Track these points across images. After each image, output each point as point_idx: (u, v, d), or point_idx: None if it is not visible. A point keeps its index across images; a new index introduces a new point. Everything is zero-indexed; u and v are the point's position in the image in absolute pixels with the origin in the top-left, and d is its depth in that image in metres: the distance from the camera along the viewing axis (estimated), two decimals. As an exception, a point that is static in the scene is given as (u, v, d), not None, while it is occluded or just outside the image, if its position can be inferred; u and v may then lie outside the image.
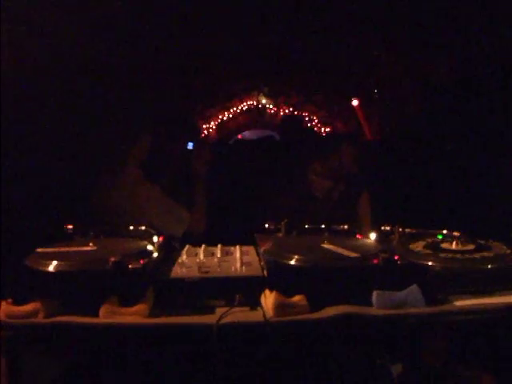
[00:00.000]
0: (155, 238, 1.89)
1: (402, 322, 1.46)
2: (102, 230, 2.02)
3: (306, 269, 1.52)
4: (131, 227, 2.07)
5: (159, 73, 5.22)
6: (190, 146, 3.23)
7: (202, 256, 1.78)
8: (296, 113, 7.95)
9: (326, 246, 1.68)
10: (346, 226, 1.93)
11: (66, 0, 2.79)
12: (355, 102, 7.33)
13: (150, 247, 1.78)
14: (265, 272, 1.54)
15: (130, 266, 1.53)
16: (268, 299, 1.48)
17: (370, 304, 1.49)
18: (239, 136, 11.96)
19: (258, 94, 7.81)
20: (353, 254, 1.55)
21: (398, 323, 1.47)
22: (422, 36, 4.46)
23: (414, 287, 1.48)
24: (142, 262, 1.58)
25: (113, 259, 1.52)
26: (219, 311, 1.49)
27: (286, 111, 7.98)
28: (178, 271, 1.61)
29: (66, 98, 3.07)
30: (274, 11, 5.09)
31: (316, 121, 7.92)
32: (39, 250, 1.71)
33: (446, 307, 1.50)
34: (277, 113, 8.01)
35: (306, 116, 7.95)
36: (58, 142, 2.87)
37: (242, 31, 5.57)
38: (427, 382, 1.68)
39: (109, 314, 1.48)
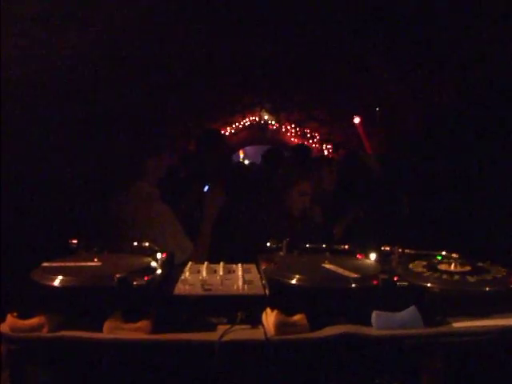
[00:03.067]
0: (159, 255, 1.92)
1: (401, 342, 1.49)
2: (105, 246, 2.05)
3: (307, 288, 1.54)
4: (135, 243, 2.09)
5: (163, 88, 5.28)
6: (206, 188, 3.27)
7: (204, 273, 1.80)
8: (298, 129, 8.01)
9: (326, 265, 1.71)
10: (346, 246, 1.96)
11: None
12: (357, 120, 7.39)
13: (153, 264, 1.81)
14: (266, 291, 1.56)
15: (134, 283, 1.56)
16: (269, 318, 1.50)
17: (369, 324, 1.51)
18: (240, 151, 12.04)
19: (261, 110, 7.87)
20: (353, 275, 1.58)
21: (397, 344, 1.49)
22: (424, 57, 4.52)
23: (412, 308, 1.50)
24: (146, 278, 1.60)
25: (118, 275, 1.55)
26: (221, 328, 1.51)
27: (288, 127, 8.03)
28: (181, 288, 1.64)
29: (80, 110, 3.12)
30: (277, 28, 5.16)
31: (318, 137, 7.97)
32: (45, 264, 1.74)
33: (443, 328, 1.53)
34: (279, 129, 8.06)
35: (308, 133, 8.00)
36: (68, 156, 2.92)
37: (246, 47, 5.64)
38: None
39: (113, 330, 1.51)
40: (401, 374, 1.68)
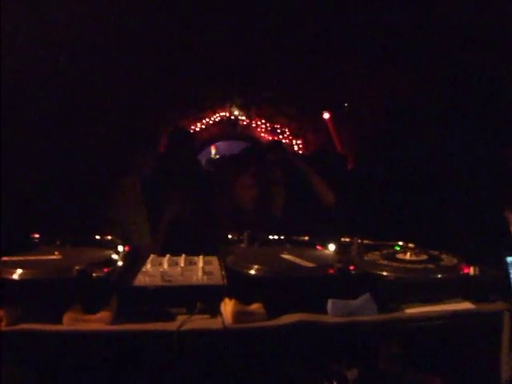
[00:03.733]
0: (120, 248, 1.93)
1: (356, 329, 1.53)
2: (68, 240, 2.05)
3: (264, 278, 1.58)
4: (97, 237, 2.10)
5: (134, 83, 5.25)
6: None
7: (166, 265, 1.82)
8: (268, 124, 8.04)
9: (285, 256, 1.75)
10: (306, 238, 2.00)
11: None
12: (326, 115, 7.44)
13: (114, 256, 1.82)
14: (225, 281, 1.59)
15: (93, 275, 1.56)
16: (227, 307, 1.53)
17: (325, 312, 1.55)
18: (212, 147, 12.01)
19: (231, 106, 7.87)
20: (309, 265, 1.62)
21: (352, 330, 1.54)
22: (387, 52, 4.60)
23: (367, 296, 1.55)
24: (105, 270, 1.62)
25: (77, 267, 1.56)
26: (180, 319, 1.53)
27: (259, 123, 8.06)
28: (141, 279, 1.65)
29: (62, 105, 3.11)
30: (248, 24, 5.17)
31: (288, 133, 8.02)
32: (4, 258, 1.73)
33: (397, 315, 1.58)
34: (249, 124, 8.08)
35: (278, 128, 8.04)
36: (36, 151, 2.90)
37: (215, 42, 5.63)
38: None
39: (72, 322, 1.51)
40: (358, 359, 1.73)
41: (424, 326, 1.59)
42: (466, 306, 1.63)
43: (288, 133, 8.04)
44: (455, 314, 1.58)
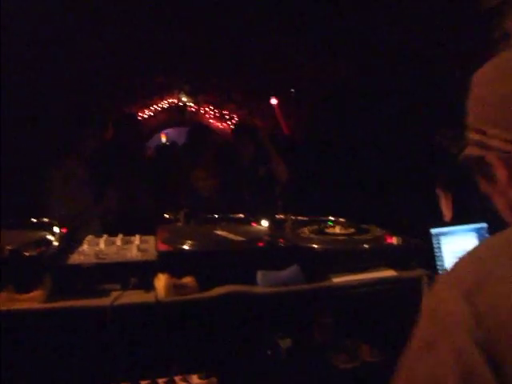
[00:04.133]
0: (56, 229, 1.94)
1: (285, 298, 1.60)
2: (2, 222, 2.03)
3: (195, 252, 1.62)
4: (34, 220, 2.09)
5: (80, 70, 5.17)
6: None
7: (102, 245, 1.84)
8: (216, 111, 8.06)
9: (218, 232, 1.80)
10: (241, 215, 2.06)
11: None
12: (274, 101, 7.52)
13: (49, 237, 1.82)
14: (157, 256, 1.63)
15: (26, 254, 1.57)
16: (159, 281, 1.57)
17: (255, 283, 1.61)
18: (162, 134, 11.93)
19: (179, 92, 7.84)
20: (240, 238, 1.68)
21: (282, 299, 1.60)
22: (329, 40, 4.70)
23: (294, 267, 1.62)
24: (38, 250, 1.62)
25: (8, 247, 1.56)
26: (114, 294, 1.56)
27: (207, 109, 8.07)
28: (75, 258, 1.67)
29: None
30: (195, 9, 5.16)
31: (236, 119, 8.07)
32: None
33: (324, 283, 1.66)
34: (198, 111, 8.08)
35: (226, 114, 8.07)
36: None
37: (163, 28, 5.60)
38: (314, 354, 1.83)
39: (6, 301, 1.52)
40: (293, 329, 1.80)
41: (350, 294, 1.68)
42: (390, 273, 1.72)
43: (236, 119, 8.09)
44: (379, 281, 1.67)
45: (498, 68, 0.82)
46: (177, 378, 1.55)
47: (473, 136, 0.84)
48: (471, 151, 0.85)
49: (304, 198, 3.28)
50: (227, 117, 8.09)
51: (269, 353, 1.75)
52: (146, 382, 1.50)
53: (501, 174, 0.80)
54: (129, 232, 2.03)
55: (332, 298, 1.69)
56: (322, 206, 2.46)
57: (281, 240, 1.69)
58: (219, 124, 8.07)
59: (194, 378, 1.56)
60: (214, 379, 1.58)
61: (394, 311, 1.78)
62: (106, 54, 5.40)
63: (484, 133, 0.81)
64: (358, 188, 3.16)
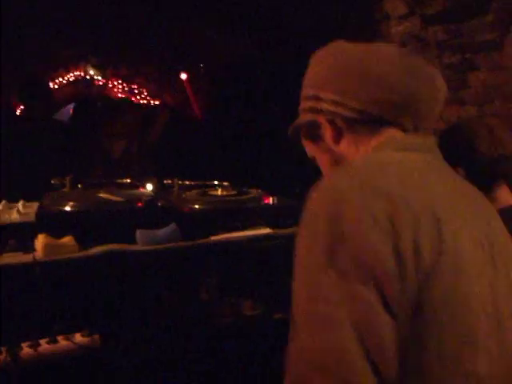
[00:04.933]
0: None
1: (162, 255, 1.67)
2: None
3: (73, 213, 1.66)
4: None
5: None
6: None
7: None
8: (125, 85, 7.91)
9: (101, 195, 1.83)
10: (128, 180, 2.10)
11: None
12: (184, 76, 7.49)
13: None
14: (35, 217, 1.65)
15: None
16: (38, 242, 1.59)
17: (135, 242, 1.67)
18: (71, 110, 11.51)
19: (86, 65, 7.60)
20: (118, 199, 1.73)
21: (160, 257, 1.68)
22: (234, 14, 4.76)
23: (172, 225, 1.69)
24: None
25: None
26: (-6, 258, 1.57)
27: (115, 83, 7.88)
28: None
29: None
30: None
31: (145, 93, 7.95)
32: None
33: (202, 241, 1.74)
34: (106, 84, 7.88)
35: (135, 88, 7.94)
36: None
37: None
38: (198, 311, 1.92)
39: None
40: (176, 287, 1.88)
41: (230, 251, 1.77)
42: (266, 231, 1.84)
43: (146, 93, 7.97)
44: (256, 238, 1.78)
45: (331, 47, 0.96)
46: (59, 338, 1.59)
47: (305, 104, 0.97)
48: (304, 117, 0.97)
49: (199, 166, 3.36)
50: (136, 91, 7.95)
51: (152, 310, 1.82)
52: (28, 343, 1.52)
53: (327, 133, 0.92)
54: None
55: (212, 255, 1.77)
56: (218, 173, 2.55)
57: (160, 201, 1.75)
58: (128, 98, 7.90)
59: (77, 336, 1.61)
60: (96, 337, 1.63)
61: (272, 267, 1.91)
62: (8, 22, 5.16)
63: (317, 98, 0.92)
64: (244, 156, 3.28)
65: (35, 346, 1.52)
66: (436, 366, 0.67)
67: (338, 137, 0.91)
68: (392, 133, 0.88)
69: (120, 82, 7.86)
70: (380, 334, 0.65)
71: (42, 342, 1.54)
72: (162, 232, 1.66)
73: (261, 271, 1.93)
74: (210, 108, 5.72)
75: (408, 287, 0.67)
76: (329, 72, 0.92)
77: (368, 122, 0.88)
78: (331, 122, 0.91)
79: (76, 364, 1.59)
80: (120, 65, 7.69)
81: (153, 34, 6.81)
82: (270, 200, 1.89)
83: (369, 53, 0.90)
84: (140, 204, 1.69)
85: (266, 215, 1.88)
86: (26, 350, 1.49)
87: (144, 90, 7.90)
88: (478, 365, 0.70)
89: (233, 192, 1.98)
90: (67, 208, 1.66)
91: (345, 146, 0.92)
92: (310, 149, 1.01)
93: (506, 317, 0.75)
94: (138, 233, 1.65)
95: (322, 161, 0.99)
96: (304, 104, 0.98)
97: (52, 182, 2.06)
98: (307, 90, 0.97)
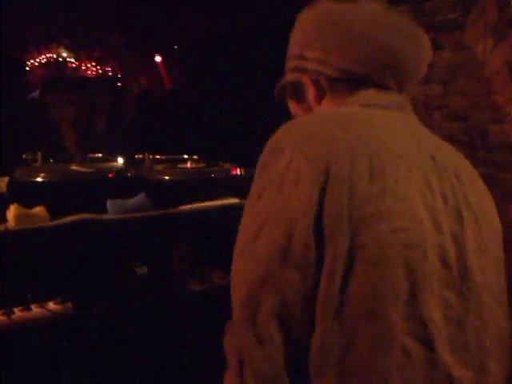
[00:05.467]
0: None
1: (133, 224, 1.72)
2: None
3: (44, 183, 1.69)
4: None
5: None
6: None
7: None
8: (99, 67, 7.85)
9: (72, 167, 1.87)
10: (100, 154, 2.14)
11: None
12: (158, 58, 7.47)
13: None
14: (5, 188, 1.68)
15: None
16: (10, 212, 1.63)
17: (106, 212, 1.72)
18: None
19: (58, 47, 7.51)
20: (90, 170, 1.77)
21: (129, 225, 1.72)
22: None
23: (142, 195, 1.74)
24: None
25: None
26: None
27: (89, 65, 7.82)
28: None
29: None
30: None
31: (119, 76, 7.91)
32: None
33: (170, 210, 1.80)
34: (79, 67, 7.80)
35: (109, 71, 7.89)
36: None
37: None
38: (170, 280, 1.97)
39: None
40: (151, 258, 1.93)
41: (199, 220, 1.83)
42: (234, 201, 1.90)
43: (120, 76, 7.93)
44: (224, 207, 1.84)
45: (316, 7, 0.94)
46: (33, 306, 1.63)
47: (292, 63, 0.96)
48: (290, 77, 0.97)
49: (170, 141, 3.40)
50: (110, 73, 7.90)
51: (125, 279, 1.87)
52: (1, 311, 1.56)
53: (310, 92, 0.92)
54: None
55: (182, 224, 1.83)
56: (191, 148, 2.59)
57: (130, 172, 1.79)
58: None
59: (50, 304, 1.65)
60: (69, 304, 1.67)
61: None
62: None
63: (303, 56, 0.93)
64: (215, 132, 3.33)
65: (9, 313, 1.55)
66: (392, 312, 0.67)
67: (320, 97, 0.91)
68: (370, 91, 0.88)
69: (94, 64, 7.81)
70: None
71: (16, 310, 1.57)
72: (131, 201, 1.71)
73: (229, 240, 1.99)
74: (183, 86, 5.73)
75: (344, 229, 0.67)
76: (315, 31, 0.92)
77: (351, 81, 0.88)
78: (315, 82, 0.91)
79: (49, 331, 1.63)
80: (93, 47, 7.63)
81: (126, 16, 6.76)
82: (238, 171, 1.95)
83: (354, 11, 0.90)
84: (110, 175, 1.74)
85: (234, 186, 1.94)
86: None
87: (118, 72, 7.86)
88: (431, 310, 0.70)
89: (202, 165, 2.04)
90: (38, 179, 1.70)
91: (326, 107, 0.92)
92: (293, 108, 1.00)
93: (473, 271, 0.75)
94: (109, 202, 1.69)
95: None
96: (290, 63, 0.97)
97: (24, 156, 2.09)
98: (293, 48, 0.97)
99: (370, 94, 0.87)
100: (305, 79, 0.92)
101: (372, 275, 0.68)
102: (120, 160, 2.02)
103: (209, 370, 1.89)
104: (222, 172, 1.94)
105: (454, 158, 0.86)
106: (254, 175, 0.71)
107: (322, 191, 0.68)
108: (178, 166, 2.02)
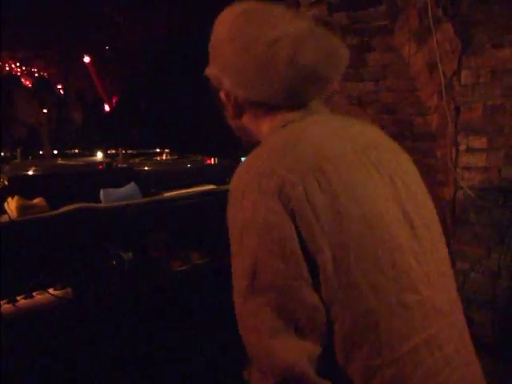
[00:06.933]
0: None
1: (126, 211, 1.88)
2: None
3: (42, 176, 1.82)
4: None
5: None
6: None
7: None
8: (24, 68, 7.69)
9: (59, 161, 2.01)
10: (77, 150, 2.27)
11: None
12: (87, 59, 7.44)
13: None
14: (5, 182, 1.79)
15: None
16: (11, 204, 1.74)
17: (99, 201, 1.87)
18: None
19: (-19, 48, 7.27)
20: (80, 163, 1.92)
21: (123, 213, 1.88)
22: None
23: (132, 184, 1.91)
24: None
25: None
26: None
27: (13, 66, 7.64)
28: None
29: None
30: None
31: (47, 76, 7.79)
32: None
33: (157, 197, 1.98)
34: (3, 67, 7.60)
35: (35, 72, 7.75)
36: None
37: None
38: (153, 264, 2.12)
39: None
40: (131, 245, 2.07)
41: (180, 206, 2.01)
42: (210, 187, 2.11)
43: (47, 77, 7.81)
44: (202, 193, 2.04)
45: (239, 15, 0.92)
46: (35, 293, 1.74)
47: (213, 68, 0.95)
48: (212, 79, 0.96)
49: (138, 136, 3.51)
50: (36, 74, 7.76)
51: (114, 264, 2.00)
52: (5, 300, 1.66)
53: (229, 109, 0.95)
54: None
55: (165, 210, 2.00)
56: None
57: (116, 163, 1.96)
58: (27, 82, 7.69)
59: (51, 290, 1.77)
60: (69, 289, 1.80)
61: (215, 219, 2.16)
62: None
63: (219, 72, 0.93)
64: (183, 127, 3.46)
65: (13, 302, 1.65)
66: (372, 272, 0.77)
67: (238, 114, 0.94)
68: (281, 113, 0.90)
69: (18, 64, 7.63)
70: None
71: (19, 298, 1.68)
72: (123, 190, 1.87)
73: (205, 224, 2.19)
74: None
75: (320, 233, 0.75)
76: (231, 54, 0.90)
77: (263, 105, 0.90)
78: (228, 99, 0.93)
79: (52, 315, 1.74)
80: (18, 47, 7.46)
81: (54, 17, 6.67)
82: (212, 161, 2.17)
83: (275, 29, 0.87)
84: (101, 167, 1.89)
85: (208, 174, 2.15)
86: (5, 306, 1.62)
87: (45, 73, 7.73)
88: (404, 260, 0.80)
89: (176, 156, 2.23)
90: (33, 172, 1.83)
91: (246, 121, 0.94)
92: (226, 118, 1.01)
93: (417, 225, 0.86)
94: (102, 192, 1.85)
95: (233, 128, 1.02)
96: (212, 65, 0.96)
97: (2, 154, 2.18)
98: (213, 56, 0.96)
99: (285, 115, 0.89)
100: (221, 95, 0.94)
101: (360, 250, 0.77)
102: (99, 154, 2.17)
103: (192, 341, 2.06)
104: (197, 162, 2.14)
105: (373, 134, 0.94)
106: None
107: (292, 217, 0.75)
108: (153, 158, 2.19)
